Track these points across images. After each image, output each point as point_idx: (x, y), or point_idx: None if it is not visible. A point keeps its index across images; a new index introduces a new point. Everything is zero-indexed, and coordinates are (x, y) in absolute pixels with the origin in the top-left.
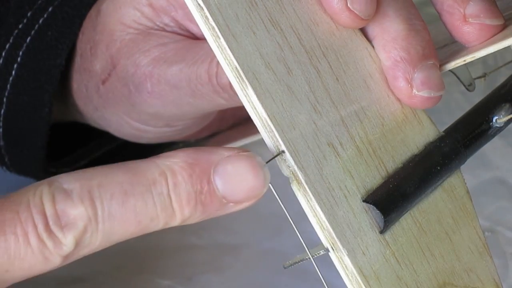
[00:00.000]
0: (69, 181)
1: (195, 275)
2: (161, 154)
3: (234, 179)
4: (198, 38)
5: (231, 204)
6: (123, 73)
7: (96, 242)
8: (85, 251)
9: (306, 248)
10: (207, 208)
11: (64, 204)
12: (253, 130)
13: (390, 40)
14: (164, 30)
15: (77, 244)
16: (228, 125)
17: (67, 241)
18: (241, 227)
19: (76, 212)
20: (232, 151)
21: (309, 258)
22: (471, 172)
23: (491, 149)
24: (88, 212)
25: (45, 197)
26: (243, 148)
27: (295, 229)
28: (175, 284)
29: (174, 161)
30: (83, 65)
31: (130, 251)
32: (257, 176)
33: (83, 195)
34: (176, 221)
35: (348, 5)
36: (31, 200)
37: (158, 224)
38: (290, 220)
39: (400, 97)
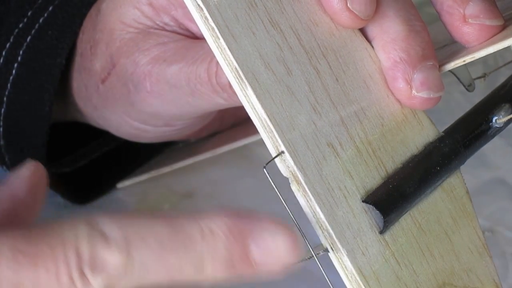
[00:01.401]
0: (109, 225)
1: None
2: (203, 213)
3: (271, 252)
4: (198, 38)
5: (261, 269)
6: (122, 72)
7: None
8: None
9: (310, 248)
10: (237, 271)
11: (101, 249)
12: (253, 130)
13: (390, 41)
14: (164, 29)
15: None
16: (228, 125)
17: (97, 284)
18: None
19: (112, 259)
20: (271, 222)
21: (313, 256)
22: (471, 172)
23: (491, 149)
24: (123, 262)
25: (82, 238)
26: (279, 220)
27: (298, 228)
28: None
29: (215, 224)
30: (83, 64)
31: None
32: (293, 253)
33: (121, 244)
34: (205, 282)
35: (348, 5)
36: (67, 238)
37: (187, 280)
38: (294, 220)
39: (400, 98)
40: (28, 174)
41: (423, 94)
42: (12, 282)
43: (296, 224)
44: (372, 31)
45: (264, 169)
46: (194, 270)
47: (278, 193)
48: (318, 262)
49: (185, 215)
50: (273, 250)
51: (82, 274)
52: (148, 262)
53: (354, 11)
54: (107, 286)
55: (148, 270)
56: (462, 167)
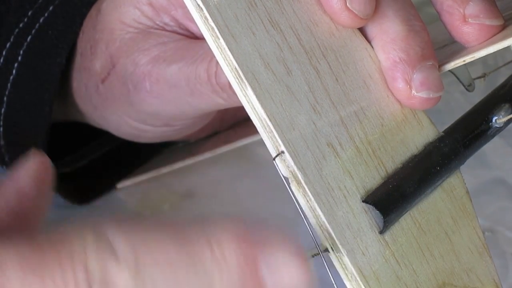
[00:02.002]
0: (118, 237)
1: None
2: (210, 221)
3: (282, 274)
4: (197, 38)
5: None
6: (122, 72)
7: None
8: None
9: (317, 246)
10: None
11: (109, 265)
12: (252, 130)
13: (389, 41)
14: (164, 29)
15: None
16: (228, 125)
17: None
18: None
19: (120, 276)
20: (283, 241)
21: (320, 254)
22: (471, 172)
23: (491, 149)
24: (131, 278)
25: (90, 250)
26: (291, 238)
27: (308, 227)
28: None
29: (225, 237)
30: (83, 64)
31: None
32: (305, 276)
33: (130, 260)
34: None
35: (347, 5)
36: (74, 249)
37: None
38: (304, 218)
39: (399, 98)
40: (34, 167)
41: (423, 94)
42: None
43: (307, 224)
44: (372, 31)
45: (274, 161)
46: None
47: (291, 193)
48: (324, 261)
49: (191, 224)
50: (284, 273)
51: None
52: (156, 281)
53: (354, 11)
54: None
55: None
56: (462, 167)
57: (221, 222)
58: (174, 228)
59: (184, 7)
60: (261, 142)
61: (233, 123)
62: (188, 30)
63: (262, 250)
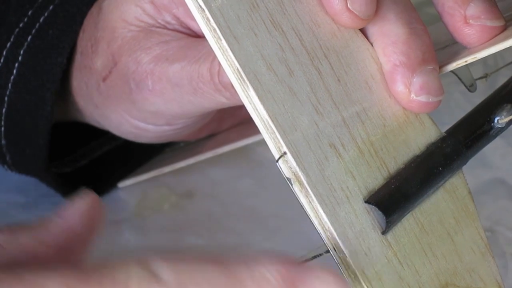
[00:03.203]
0: (162, 267)
1: None
2: (254, 257)
3: None
4: (199, 36)
5: None
6: (124, 70)
7: None
8: None
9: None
10: None
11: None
12: (253, 130)
13: (390, 43)
14: (165, 27)
15: None
16: (228, 125)
17: None
18: (241, 227)
19: None
20: (322, 271)
21: (316, 257)
22: (471, 172)
23: (491, 149)
24: None
25: (134, 278)
26: (334, 272)
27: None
28: None
29: (268, 270)
30: (84, 63)
31: (130, 251)
32: None
33: (173, 284)
34: None
35: (348, 5)
36: (118, 278)
37: None
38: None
39: (399, 101)
40: (85, 207)
41: (422, 98)
42: None
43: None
44: (373, 34)
45: (277, 163)
46: None
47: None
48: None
49: (236, 259)
50: None
51: None
52: None
53: (355, 11)
54: None
55: None
56: (462, 167)
57: (260, 256)
58: (217, 259)
59: (185, 5)
60: (262, 142)
61: (232, 122)
62: (190, 29)
63: (302, 275)
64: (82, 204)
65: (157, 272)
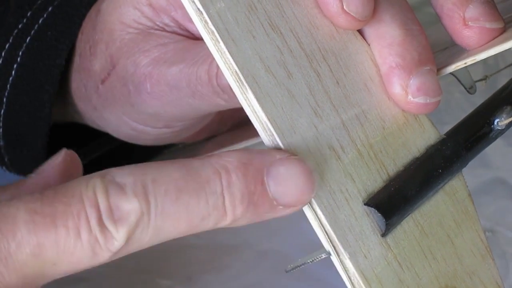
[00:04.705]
0: (122, 175)
1: (195, 275)
2: (214, 153)
3: (286, 181)
4: (198, 38)
5: (280, 207)
6: (122, 72)
7: (145, 238)
8: (134, 247)
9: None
10: (258, 209)
11: (118, 198)
12: (252, 132)
13: (386, 45)
14: (164, 30)
15: (128, 239)
16: (227, 127)
17: (119, 236)
18: (241, 227)
19: (130, 206)
20: (284, 153)
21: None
22: (472, 173)
23: (491, 149)
24: (141, 207)
25: (98, 190)
26: (292, 152)
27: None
28: (175, 284)
29: (228, 160)
30: (82, 65)
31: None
32: (308, 180)
33: (137, 190)
34: (226, 221)
35: (344, 7)
36: (83, 193)
37: (208, 223)
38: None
39: (397, 103)
40: (61, 161)
41: (420, 100)
42: (33, 245)
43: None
44: (369, 36)
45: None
46: (215, 212)
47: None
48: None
49: (197, 157)
50: (288, 180)
51: (103, 227)
52: (167, 207)
53: (351, 13)
54: (129, 237)
55: (168, 217)
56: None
57: (225, 153)
58: (180, 162)
59: (183, 8)
60: (260, 144)
61: (231, 124)
62: (188, 31)
63: (266, 162)
64: (58, 160)
65: (119, 180)
